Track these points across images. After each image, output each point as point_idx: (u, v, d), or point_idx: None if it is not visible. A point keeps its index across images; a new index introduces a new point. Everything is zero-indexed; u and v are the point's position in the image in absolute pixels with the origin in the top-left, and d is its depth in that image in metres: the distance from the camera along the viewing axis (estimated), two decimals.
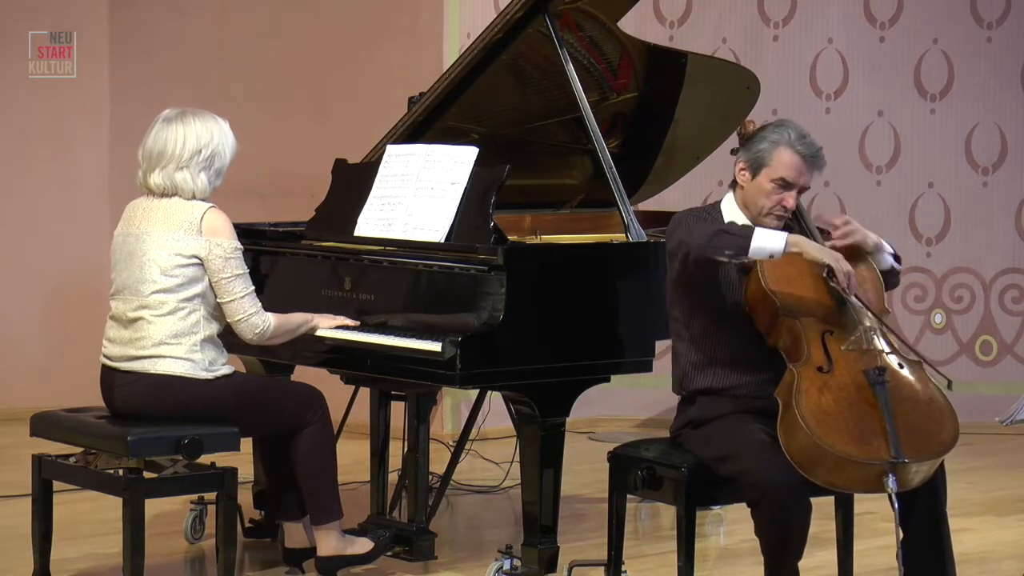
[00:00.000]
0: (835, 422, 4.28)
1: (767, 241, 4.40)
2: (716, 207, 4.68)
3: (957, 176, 8.17)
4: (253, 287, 5.02)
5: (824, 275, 4.45)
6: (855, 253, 4.61)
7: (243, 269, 5.00)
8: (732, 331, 4.60)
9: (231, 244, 4.98)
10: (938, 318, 8.20)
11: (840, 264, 4.43)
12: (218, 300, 4.98)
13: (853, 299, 4.48)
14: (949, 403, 4.42)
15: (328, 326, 5.17)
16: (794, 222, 4.64)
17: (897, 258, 4.72)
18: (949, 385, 4.40)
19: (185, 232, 4.94)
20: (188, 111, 5.06)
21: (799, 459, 4.28)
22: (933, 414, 4.38)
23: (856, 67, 8.14)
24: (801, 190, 4.58)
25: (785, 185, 4.54)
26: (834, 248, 4.53)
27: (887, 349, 4.49)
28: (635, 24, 6.71)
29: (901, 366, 4.46)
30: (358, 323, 5.17)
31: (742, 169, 4.60)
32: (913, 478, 4.29)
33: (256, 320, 5.00)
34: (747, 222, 4.58)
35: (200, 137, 5.00)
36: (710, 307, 4.60)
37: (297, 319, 5.13)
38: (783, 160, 4.53)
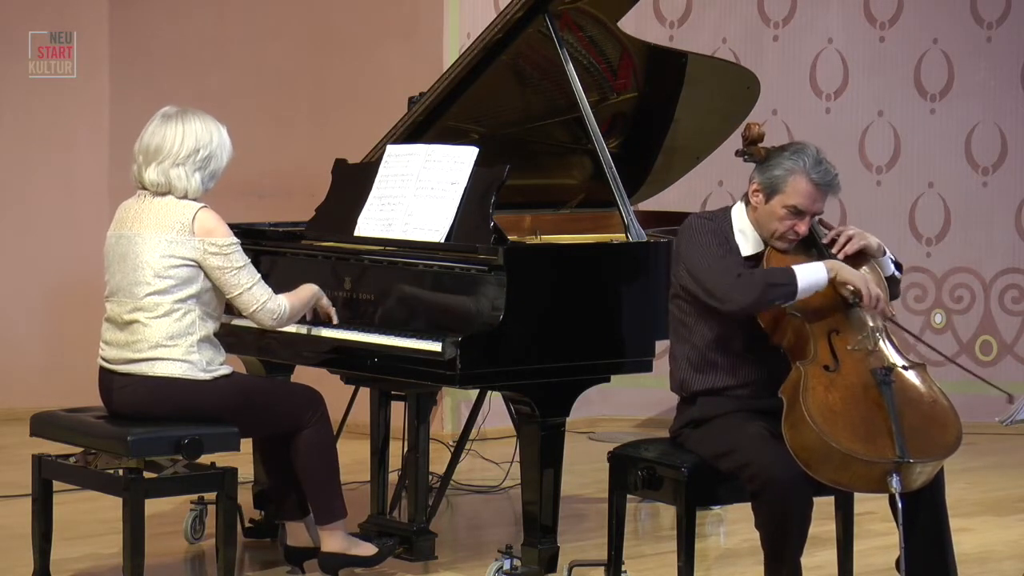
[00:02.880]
0: (842, 420, 4.28)
1: (810, 278, 4.44)
2: (727, 215, 4.68)
3: (957, 176, 8.16)
4: (260, 275, 5.02)
5: (852, 301, 4.46)
6: (862, 256, 4.62)
7: (244, 260, 4.98)
8: (733, 331, 4.59)
9: (225, 240, 4.96)
10: (938, 318, 8.20)
11: (871, 289, 4.46)
12: (228, 297, 4.97)
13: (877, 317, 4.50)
14: (952, 406, 4.43)
15: (327, 304, 5.18)
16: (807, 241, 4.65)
17: (899, 266, 4.73)
18: (1010, 399, 4.41)
19: (178, 233, 4.93)
20: (189, 110, 5.05)
21: (804, 456, 4.28)
22: (937, 416, 4.39)
23: (856, 67, 8.14)
24: (814, 216, 4.59)
25: (797, 213, 4.55)
26: (846, 257, 4.55)
27: (892, 350, 4.50)
28: (635, 24, 6.71)
29: (906, 368, 4.47)
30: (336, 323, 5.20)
31: (756, 191, 4.61)
32: (916, 479, 4.30)
33: (271, 306, 5.00)
34: (757, 238, 4.62)
35: (199, 137, 4.99)
36: (712, 308, 4.59)
37: (306, 292, 5.14)
38: (797, 188, 4.54)
